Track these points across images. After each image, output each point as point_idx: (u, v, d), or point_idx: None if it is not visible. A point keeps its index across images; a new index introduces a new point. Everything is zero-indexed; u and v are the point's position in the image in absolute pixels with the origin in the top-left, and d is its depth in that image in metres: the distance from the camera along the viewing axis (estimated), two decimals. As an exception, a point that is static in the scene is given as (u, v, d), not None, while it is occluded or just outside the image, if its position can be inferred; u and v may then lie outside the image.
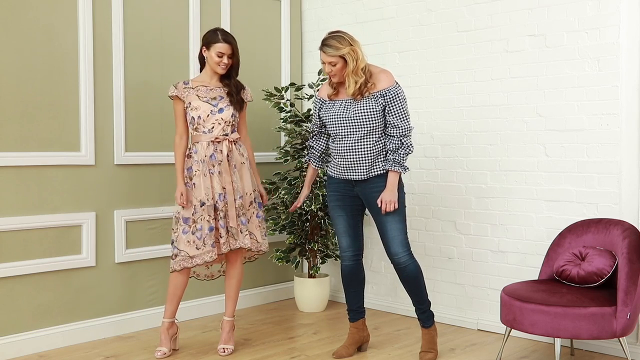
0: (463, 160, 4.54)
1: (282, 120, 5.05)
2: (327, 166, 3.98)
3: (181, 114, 3.91)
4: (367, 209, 3.87)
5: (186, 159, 3.89)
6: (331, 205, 3.86)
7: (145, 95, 4.45)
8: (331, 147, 3.80)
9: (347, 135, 3.67)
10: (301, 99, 5.26)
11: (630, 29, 3.83)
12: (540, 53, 4.17)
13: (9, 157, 3.85)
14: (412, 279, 3.74)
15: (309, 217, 4.93)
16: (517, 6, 4.25)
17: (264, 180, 4.95)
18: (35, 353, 3.94)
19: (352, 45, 3.61)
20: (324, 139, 3.92)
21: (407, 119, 3.66)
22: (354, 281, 3.91)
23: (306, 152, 3.93)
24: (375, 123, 3.64)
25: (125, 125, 4.35)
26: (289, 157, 4.90)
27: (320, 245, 4.98)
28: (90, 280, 4.22)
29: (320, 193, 4.73)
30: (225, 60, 3.87)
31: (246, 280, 5.09)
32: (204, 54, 3.92)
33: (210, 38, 3.89)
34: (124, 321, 4.35)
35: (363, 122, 3.63)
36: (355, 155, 3.67)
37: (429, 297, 3.84)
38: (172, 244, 3.87)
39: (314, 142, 3.95)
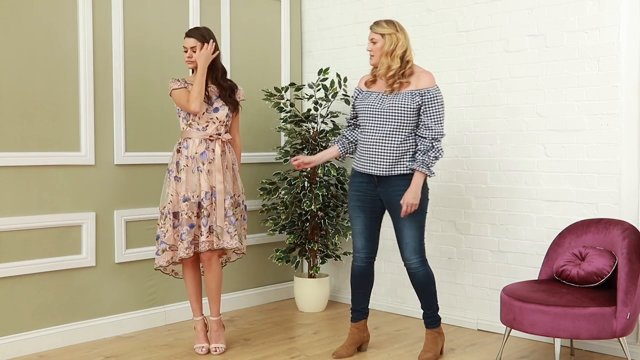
0: (463, 160, 4.54)
1: (282, 120, 5.05)
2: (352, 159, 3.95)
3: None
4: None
5: (175, 153, 3.90)
6: (351, 205, 3.85)
7: (145, 95, 4.45)
8: (359, 138, 3.79)
9: (376, 127, 3.66)
10: (301, 99, 5.26)
11: (630, 29, 3.83)
12: (540, 53, 4.17)
13: (9, 157, 3.85)
14: (421, 284, 3.75)
15: (309, 217, 4.93)
16: (517, 6, 4.26)
17: (263, 180, 4.97)
18: (35, 353, 3.94)
19: (398, 32, 3.64)
20: (351, 129, 3.91)
21: (442, 123, 3.64)
22: (363, 282, 3.91)
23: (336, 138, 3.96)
24: (407, 120, 3.62)
25: (125, 125, 4.35)
26: (288, 157, 4.90)
27: (320, 245, 4.98)
28: (90, 280, 4.22)
29: (320, 193, 4.73)
30: (189, 53, 3.87)
31: (246, 280, 5.11)
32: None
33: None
34: (124, 321, 4.35)
35: (395, 117, 3.62)
36: (381, 149, 3.65)
37: (438, 304, 3.85)
38: (157, 239, 3.88)
39: (347, 132, 3.92)
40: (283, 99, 4.94)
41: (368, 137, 3.69)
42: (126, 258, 4.36)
